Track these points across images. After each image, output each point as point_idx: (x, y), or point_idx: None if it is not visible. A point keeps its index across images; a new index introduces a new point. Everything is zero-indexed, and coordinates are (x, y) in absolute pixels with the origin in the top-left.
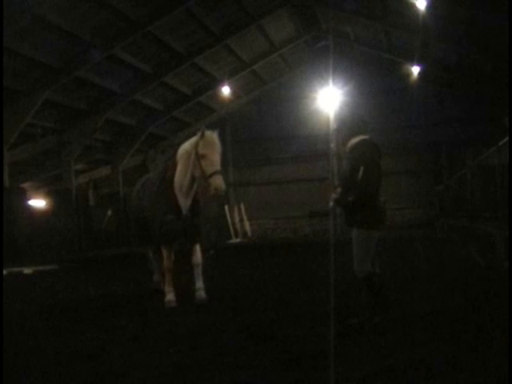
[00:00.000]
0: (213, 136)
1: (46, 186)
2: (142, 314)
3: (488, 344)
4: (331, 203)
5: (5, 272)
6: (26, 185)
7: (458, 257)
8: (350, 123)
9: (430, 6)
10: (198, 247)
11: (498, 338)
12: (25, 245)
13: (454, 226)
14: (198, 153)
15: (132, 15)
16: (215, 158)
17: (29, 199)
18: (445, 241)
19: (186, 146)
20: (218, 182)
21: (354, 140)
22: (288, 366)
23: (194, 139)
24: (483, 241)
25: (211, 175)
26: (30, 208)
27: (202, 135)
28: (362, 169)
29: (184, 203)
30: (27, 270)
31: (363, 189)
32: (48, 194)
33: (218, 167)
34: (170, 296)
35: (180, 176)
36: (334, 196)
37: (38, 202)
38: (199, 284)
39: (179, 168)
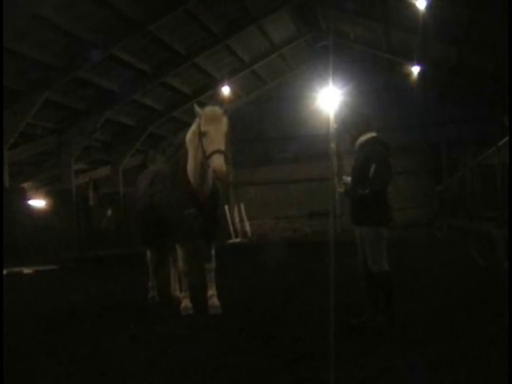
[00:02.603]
0: (214, 110)
1: (46, 186)
2: (142, 313)
3: (488, 344)
4: (340, 190)
5: (5, 272)
6: (25, 185)
7: (458, 257)
8: (359, 121)
9: (429, 6)
10: (213, 250)
11: (498, 338)
12: (25, 245)
13: (454, 225)
14: (200, 131)
15: (132, 15)
16: (217, 135)
17: (29, 199)
18: (444, 241)
19: (193, 127)
20: (217, 162)
21: (363, 138)
22: (288, 366)
23: (198, 118)
24: (483, 241)
25: (211, 155)
26: (29, 208)
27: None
28: (373, 166)
29: (201, 194)
30: (27, 270)
31: (375, 185)
32: (48, 194)
33: (219, 146)
34: (187, 302)
35: (191, 163)
36: (343, 184)
37: (38, 202)
38: (212, 291)
39: (190, 154)
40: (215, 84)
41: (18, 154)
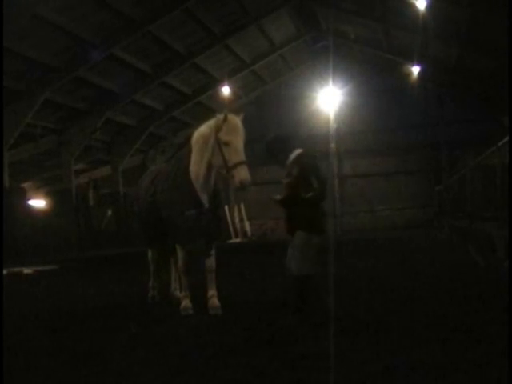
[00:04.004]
0: (237, 121)
1: (46, 186)
2: (142, 313)
3: (488, 344)
4: (277, 197)
5: (5, 272)
6: (25, 185)
7: (458, 257)
8: (281, 146)
9: (429, 6)
10: (213, 250)
11: (499, 338)
12: (25, 245)
13: (454, 225)
14: (220, 139)
15: (132, 15)
16: (240, 145)
17: (29, 199)
18: (444, 241)
19: (203, 129)
20: (244, 173)
21: (292, 155)
22: (288, 366)
23: (212, 122)
24: (483, 241)
25: (235, 166)
26: (29, 208)
27: (225, 119)
28: (313, 177)
29: (203, 195)
30: (27, 270)
31: (321, 194)
32: (48, 194)
33: (243, 157)
34: (187, 302)
35: (196, 164)
36: (279, 196)
37: (38, 202)
38: (212, 291)
39: (194, 155)
40: (215, 84)
41: (17, 154)
